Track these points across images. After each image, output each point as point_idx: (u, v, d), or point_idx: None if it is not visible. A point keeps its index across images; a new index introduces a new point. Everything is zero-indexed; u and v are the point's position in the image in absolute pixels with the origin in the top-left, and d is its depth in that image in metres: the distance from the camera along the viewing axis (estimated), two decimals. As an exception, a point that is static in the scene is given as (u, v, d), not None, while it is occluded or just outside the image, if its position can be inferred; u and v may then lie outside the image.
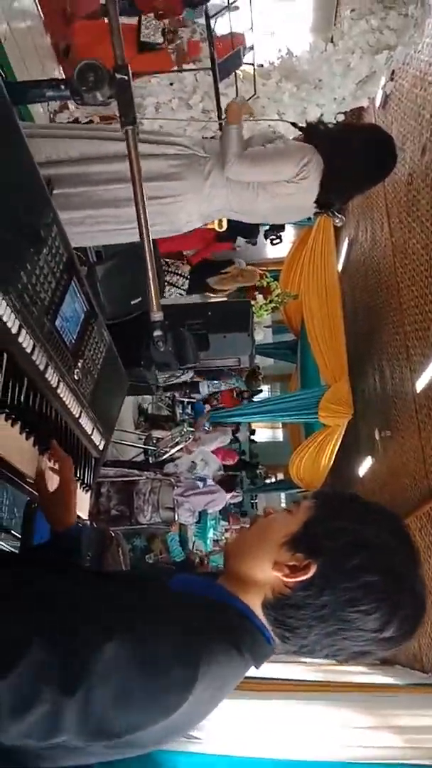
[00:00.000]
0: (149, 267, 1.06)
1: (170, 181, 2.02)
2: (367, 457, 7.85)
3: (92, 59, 0.98)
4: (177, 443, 5.03)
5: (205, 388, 6.91)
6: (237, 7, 3.58)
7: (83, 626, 0.74)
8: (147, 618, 0.77)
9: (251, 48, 2.72)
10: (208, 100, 3.96)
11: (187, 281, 5.77)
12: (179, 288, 5.74)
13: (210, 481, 4.86)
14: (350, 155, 2.11)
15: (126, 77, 0.99)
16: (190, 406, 6.66)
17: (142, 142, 2.08)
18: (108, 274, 3.43)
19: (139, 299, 3.67)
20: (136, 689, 0.71)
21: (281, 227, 5.26)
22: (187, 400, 6.71)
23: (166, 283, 5.60)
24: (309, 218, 5.80)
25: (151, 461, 4.92)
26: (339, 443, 7.17)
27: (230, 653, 0.80)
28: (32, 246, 1.07)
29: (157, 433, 5.45)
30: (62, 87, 1.01)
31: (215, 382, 6.94)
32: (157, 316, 1.11)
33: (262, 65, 4.00)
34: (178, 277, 5.73)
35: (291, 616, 0.85)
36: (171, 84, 4.03)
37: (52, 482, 1.28)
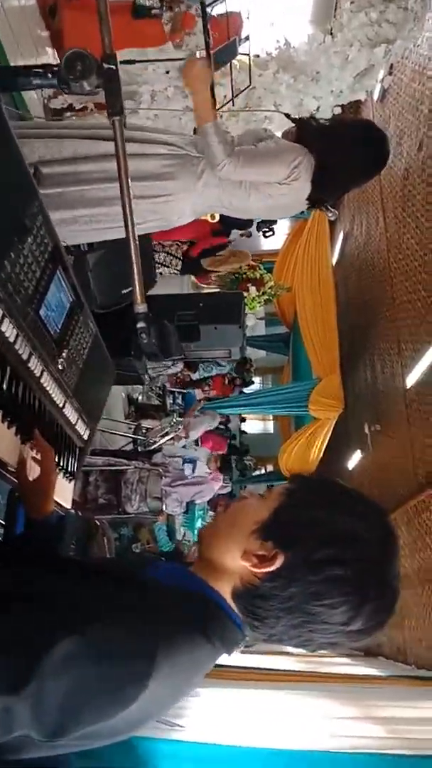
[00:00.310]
0: (134, 259, 1.06)
1: (162, 181, 2.01)
2: (357, 450, 7.89)
3: (80, 48, 0.97)
4: (166, 433, 5.05)
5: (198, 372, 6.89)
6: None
7: (35, 624, 0.73)
8: (104, 610, 0.76)
9: (247, 38, 2.69)
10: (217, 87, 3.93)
11: (181, 262, 5.76)
12: (173, 268, 5.73)
13: (199, 471, 4.87)
14: (342, 152, 2.10)
15: (114, 67, 0.98)
16: (180, 396, 6.68)
17: (134, 141, 2.08)
18: (99, 263, 3.41)
19: (130, 288, 3.67)
20: (92, 683, 0.71)
21: (273, 221, 5.25)
22: (177, 390, 6.72)
23: (159, 265, 5.59)
24: (303, 212, 5.80)
25: (139, 450, 4.93)
26: (329, 436, 7.19)
27: (195, 640, 0.80)
28: (16, 235, 1.06)
29: (146, 423, 5.46)
30: (49, 75, 1.00)
31: (207, 364, 6.85)
32: (141, 307, 1.11)
33: (258, 56, 3.97)
34: (171, 257, 5.71)
35: (259, 606, 0.84)
36: (167, 72, 4.00)
37: (33, 472, 1.28)
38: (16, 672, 0.69)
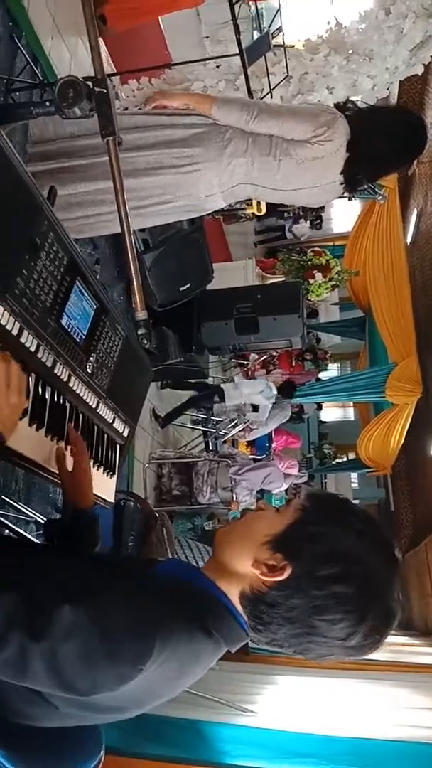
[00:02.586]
0: (131, 262, 1.11)
1: (189, 147, 2.05)
2: (440, 436, 7.61)
3: (71, 76, 1.04)
4: (236, 424, 5.11)
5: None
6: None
7: (53, 590, 0.83)
8: (113, 591, 0.84)
9: (279, 29, 2.67)
10: (255, 79, 3.92)
11: None
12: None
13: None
14: (378, 133, 2.06)
15: (105, 90, 1.03)
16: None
17: (164, 114, 2.13)
18: (156, 262, 3.53)
19: (188, 285, 3.76)
20: (95, 652, 0.78)
21: (321, 208, 5.18)
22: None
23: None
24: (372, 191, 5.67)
25: (210, 444, 5.03)
26: (408, 422, 6.98)
27: (193, 633, 0.85)
28: (28, 254, 1.15)
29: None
30: (47, 104, 1.07)
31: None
32: (141, 315, 1.16)
33: (309, 40, 3.90)
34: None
35: (264, 611, 0.89)
36: (217, 66, 4.03)
37: (70, 465, 1.38)
38: (36, 622, 0.78)
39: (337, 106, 2.26)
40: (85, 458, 1.39)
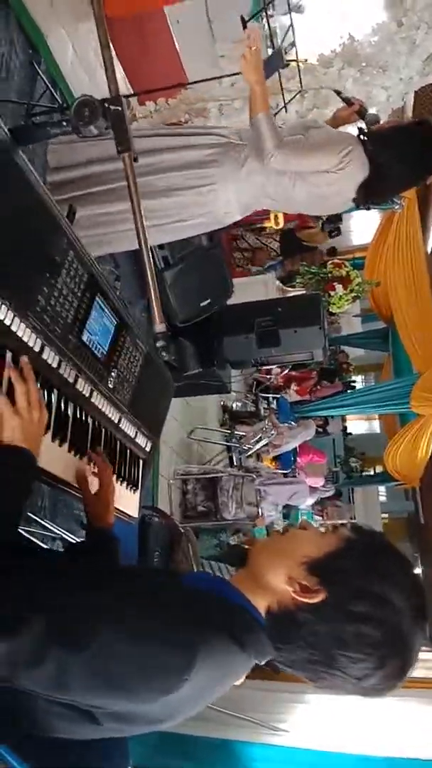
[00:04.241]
0: (149, 275, 1.13)
1: (207, 168, 2.08)
2: (469, 447, 7.45)
3: (86, 96, 1.06)
4: (260, 439, 5.09)
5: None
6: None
7: (92, 601, 0.82)
8: (154, 604, 0.84)
9: (292, 44, 2.70)
10: (270, 96, 3.96)
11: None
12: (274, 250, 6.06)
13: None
14: (396, 149, 2.07)
15: (119, 108, 1.06)
16: (275, 401, 6.68)
17: (181, 135, 2.16)
18: (176, 279, 3.55)
19: (209, 301, 3.78)
20: (138, 665, 0.78)
21: (338, 218, 5.17)
22: (271, 395, 6.73)
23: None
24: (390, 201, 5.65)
25: (234, 458, 5.01)
26: (436, 434, 6.86)
27: (229, 646, 0.85)
28: (48, 272, 1.17)
29: (240, 430, 5.54)
30: (64, 124, 1.10)
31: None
32: (160, 327, 1.17)
33: (322, 54, 3.93)
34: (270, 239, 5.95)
35: (288, 630, 0.89)
36: (233, 85, 4.08)
37: (93, 485, 1.39)
38: (74, 636, 0.77)
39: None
40: (110, 479, 1.40)
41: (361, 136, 2.14)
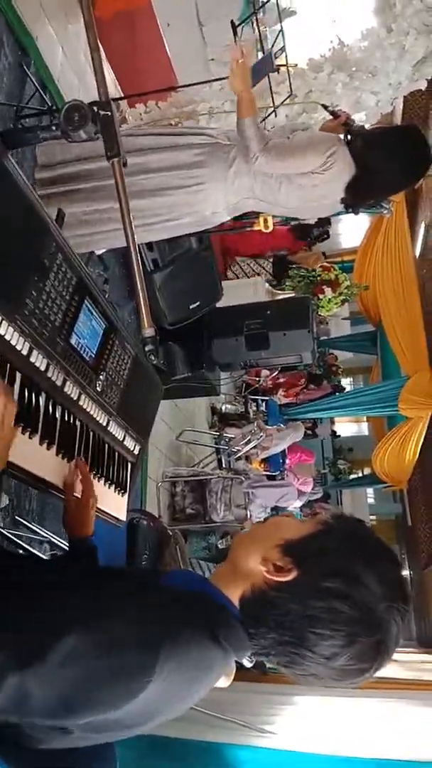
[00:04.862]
0: (137, 279, 1.13)
1: (195, 169, 2.10)
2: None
3: (76, 100, 1.06)
4: (249, 441, 5.10)
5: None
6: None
7: (49, 614, 0.81)
8: (112, 607, 0.83)
9: (282, 49, 2.72)
10: (259, 99, 3.98)
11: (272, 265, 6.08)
12: (268, 272, 6.44)
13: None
14: (382, 153, 2.08)
15: (109, 113, 1.06)
16: (264, 404, 6.70)
17: (169, 135, 2.18)
18: (166, 281, 3.56)
19: (198, 303, 3.79)
20: (96, 673, 0.77)
21: (327, 221, 5.20)
22: (260, 398, 6.75)
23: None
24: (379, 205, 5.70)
25: (223, 461, 5.01)
26: (423, 436, 6.92)
27: (202, 642, 0.84)
28: (36, 275, 1.17)
29: (229, 432, 5.54)
30: (53, 128, 1.10)
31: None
32: (149, 332, 1.17)
33: (312, 59, 3.95)
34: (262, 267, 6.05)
35: (259, 612, 0.88)
36: (221, 89, 4.09)
37: (77, 493, 1.38)
38: (30, 652, 0.76)
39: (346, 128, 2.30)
40: (92, 490, 1.39)
41: (348, 137, 2.17)
